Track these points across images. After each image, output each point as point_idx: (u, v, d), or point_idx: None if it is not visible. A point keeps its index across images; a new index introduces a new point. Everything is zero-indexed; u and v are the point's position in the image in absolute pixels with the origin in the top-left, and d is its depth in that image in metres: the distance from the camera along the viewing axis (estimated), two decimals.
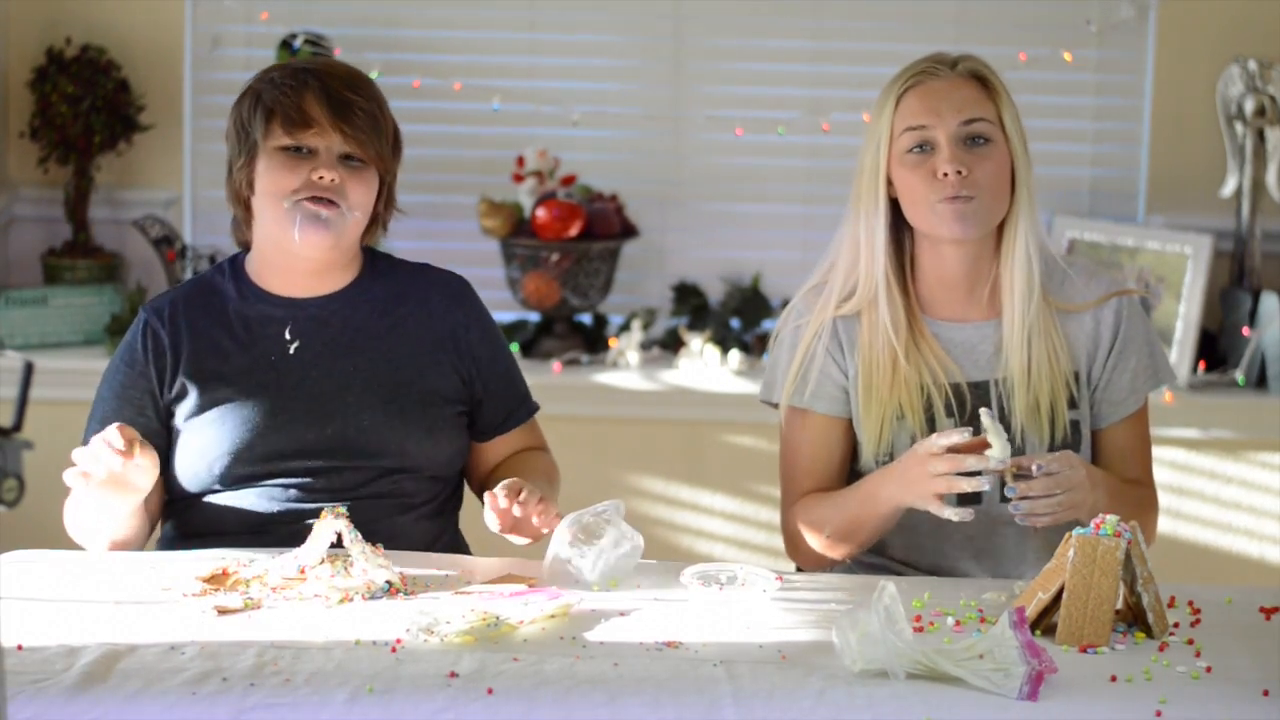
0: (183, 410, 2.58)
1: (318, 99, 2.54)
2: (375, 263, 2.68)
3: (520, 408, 2.72)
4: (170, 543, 2.63)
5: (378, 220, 2.65)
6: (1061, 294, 2.63)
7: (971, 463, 2.38)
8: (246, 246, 2.67)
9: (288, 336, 2.60)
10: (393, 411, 2.58)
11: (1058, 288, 2.63)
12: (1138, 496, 2.60)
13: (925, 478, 2.41)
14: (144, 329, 2.61)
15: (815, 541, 2.58)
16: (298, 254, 2.57)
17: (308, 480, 2.55)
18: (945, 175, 2.53)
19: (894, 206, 2.60)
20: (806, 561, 2.62)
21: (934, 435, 2.44)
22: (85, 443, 2.52)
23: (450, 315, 2.66)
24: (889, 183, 2.58)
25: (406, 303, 2.65)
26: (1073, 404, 2.60)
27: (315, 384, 2.58)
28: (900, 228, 2.62)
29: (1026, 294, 2.57)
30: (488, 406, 2.68)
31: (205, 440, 2.56)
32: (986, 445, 2.39)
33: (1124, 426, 2.65)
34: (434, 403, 2.61)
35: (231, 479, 2.55)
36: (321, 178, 2.53)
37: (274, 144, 2.54)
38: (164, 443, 2.57)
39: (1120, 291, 2.64)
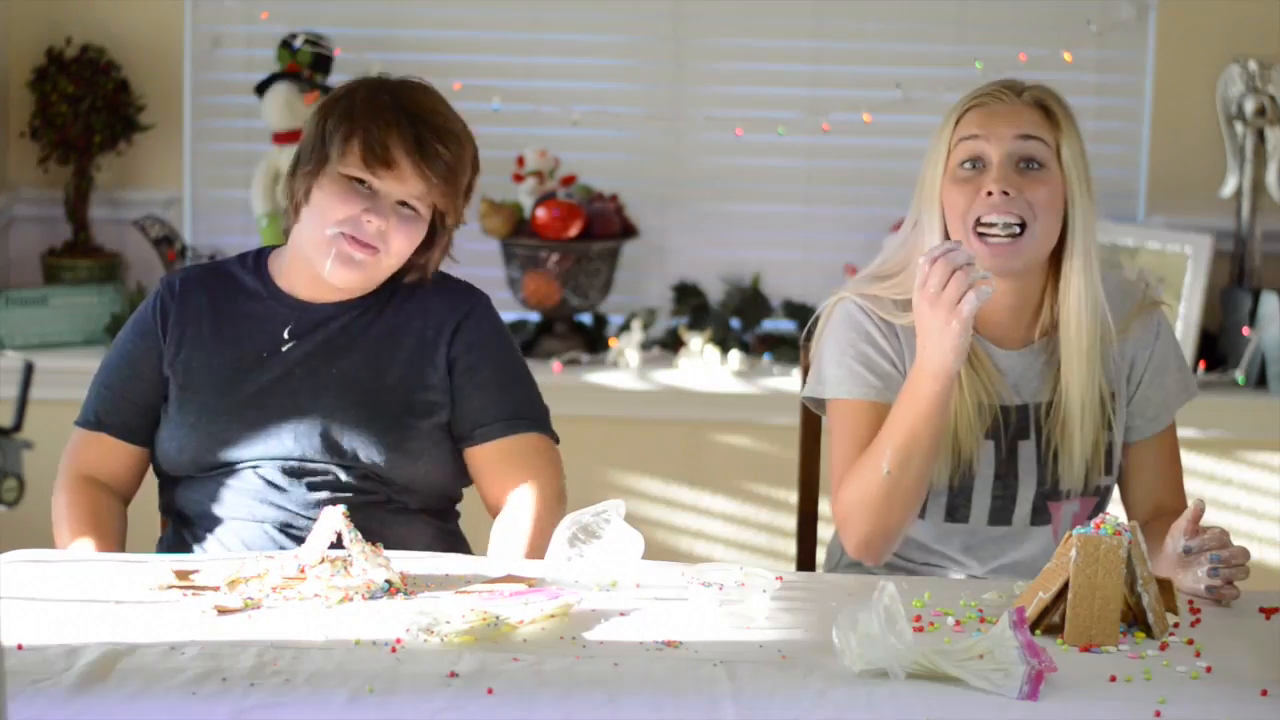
0: (173, 388, 2.60)
1: (403, 141, 2.52)
2: (401, 273, 2.64)
3: (496, 423, 2.61)
4: (171, 543, 2.64)
5: (418, 265, 2.61)
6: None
7: (957, 254, 2.33)
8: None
9: (285, 335, 2.61)
10: (364, 417, 2.55)
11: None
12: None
13: (937, 306, 2.33)
14: (158, 301, 2.64)
15: (874, 494, 2.44)
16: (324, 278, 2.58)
17: (285, 479, 2.55)
18: (990, 194, 2.46)
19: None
20: (861, 543, 2.48)
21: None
22: (87, 410, 2.62)
23: (444, 319, 2.62)
24: (943, 206, 2.51)
25: (407, 305, 2.63)
26: (1109, 427, 2.58)
27: (297, 381, 2.57)
28: None
29: (1080, 333, 2.51)
30: (456, 412, 2.60)
31: (184, 421, 2.57)
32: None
33: (1155, 442, 2.64)
34: (412, 412, 2.58)
35: (208, 465, 2.56)
36: (370, 222, 2.52)
37: (344, 170, 2.52)
38: (161, 416, 2.61)
39: (1149, 304, 2.62)
